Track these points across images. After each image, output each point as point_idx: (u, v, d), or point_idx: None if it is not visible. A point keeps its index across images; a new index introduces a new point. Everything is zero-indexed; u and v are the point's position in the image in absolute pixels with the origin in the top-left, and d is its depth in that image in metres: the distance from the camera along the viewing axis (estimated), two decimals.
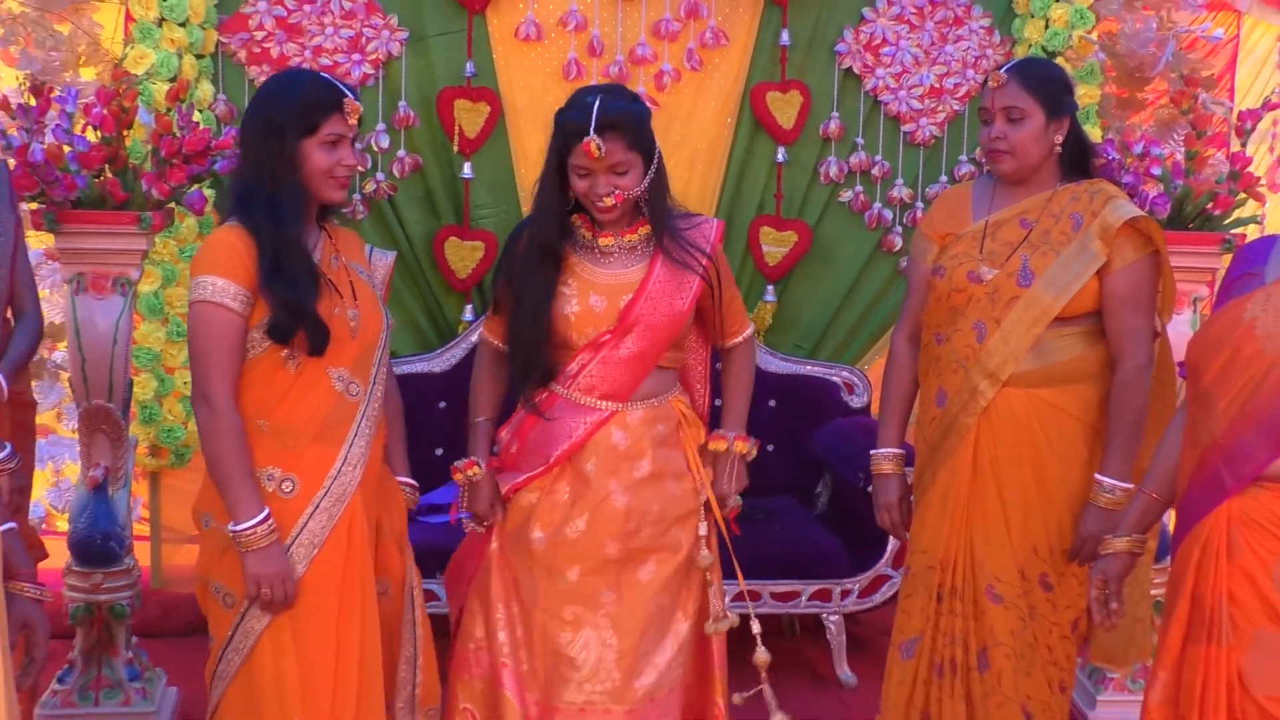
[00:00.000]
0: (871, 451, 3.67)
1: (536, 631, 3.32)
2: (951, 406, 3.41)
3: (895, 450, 3.62)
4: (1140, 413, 3.35)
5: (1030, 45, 5.13)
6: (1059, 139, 3.39)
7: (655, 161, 3.28)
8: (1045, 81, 3.39)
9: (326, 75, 3.04)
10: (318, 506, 2.95)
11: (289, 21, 4.94)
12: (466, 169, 5.08)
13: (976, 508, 3.39)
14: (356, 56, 4.98)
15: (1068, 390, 3.37)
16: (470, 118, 5.03)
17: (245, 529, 2.85)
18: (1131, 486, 3.26)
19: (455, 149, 5.07)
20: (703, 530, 3.41)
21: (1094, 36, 5.07)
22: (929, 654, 3.46)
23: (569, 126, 3.20)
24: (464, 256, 5.07)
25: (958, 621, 3.42)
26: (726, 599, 3.49)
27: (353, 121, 2.97)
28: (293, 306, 2.86)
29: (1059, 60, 5.01)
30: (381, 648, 3.10)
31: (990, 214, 3.45)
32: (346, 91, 2.97)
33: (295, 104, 2.92)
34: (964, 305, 3.39)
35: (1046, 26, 5.08)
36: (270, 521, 2.87)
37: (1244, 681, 2.58)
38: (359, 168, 3.06)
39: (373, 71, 5.00)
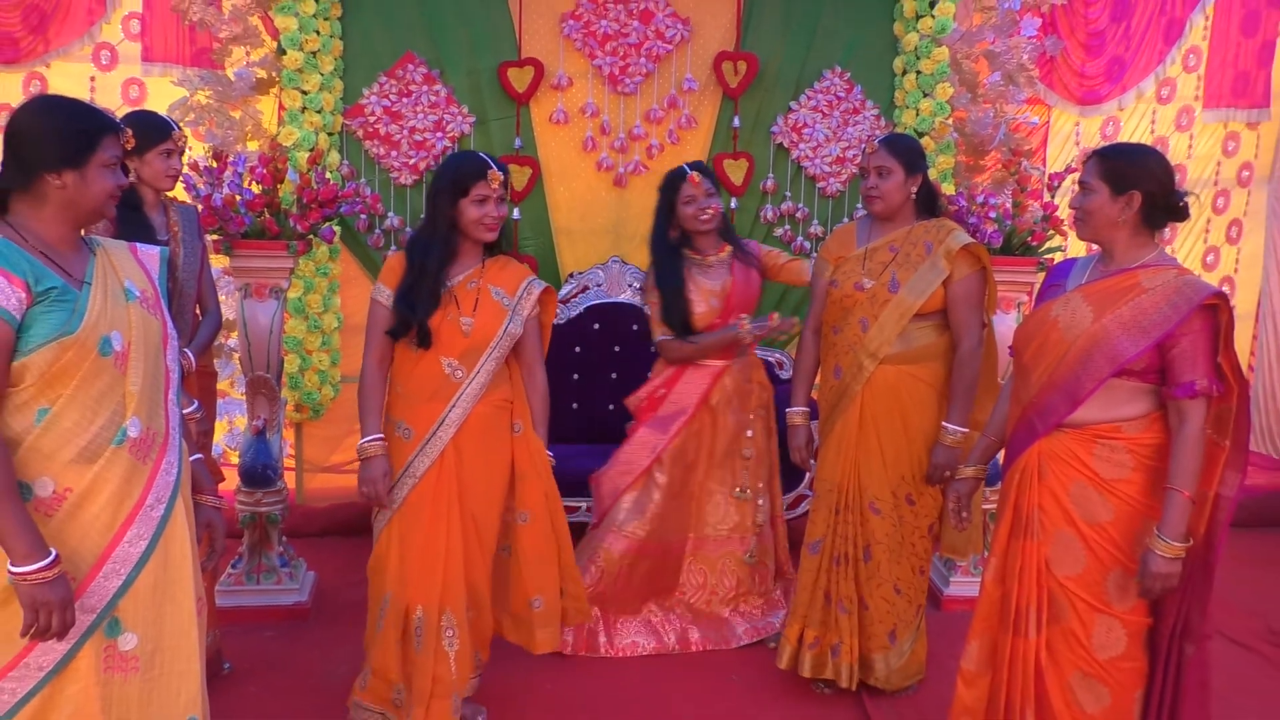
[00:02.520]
0: (786, 410, 3.73)
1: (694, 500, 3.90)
2: (845, 378, 3.47)
3: (803, 408, 3.68)
4: (973, 380, 3.41)
5: (905, 127, 5.11)
6: (914, 189, 3.43)
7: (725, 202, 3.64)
8: (904, 148, 3.44)
9: (481, 153, 3.06)
10: (423, 449, 3.04)
11: (392, 109, 4.93)
12: (515, 213, 5.07)
13: (861, 449, 3.46)
14: (439, 134, 4.96)
15: (923, 365, 3.43)
16: (518, 177, 5.01)
17: (363, 443, 3.02)
18: (968, 431, 3.38)
19: (508, 199, 5.03)
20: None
21: (950, 122, 5.08)
22: (829, 550, 3.51)
23: (676, 174, 3.79)
24: None
25: (849, 528, 3.48)
26: None
27: (495, 185, 2.99)
28: (406, 320, 2.98)
29: (924, 138, 5.03)
30: (521, 563, 3.19)
31: (868, 243, 3.48)
32: (491, 164, 3.00)
33: (452, 174, 3.00)
34: (852, 307, 3.45)
35: (917, 115, 5.07)
36: (380, 441, 3.03)
37: (1049, 566, 2.64)
38: (501, 216, 3.05)
39: (450, 145, 4.98)
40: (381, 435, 3.03)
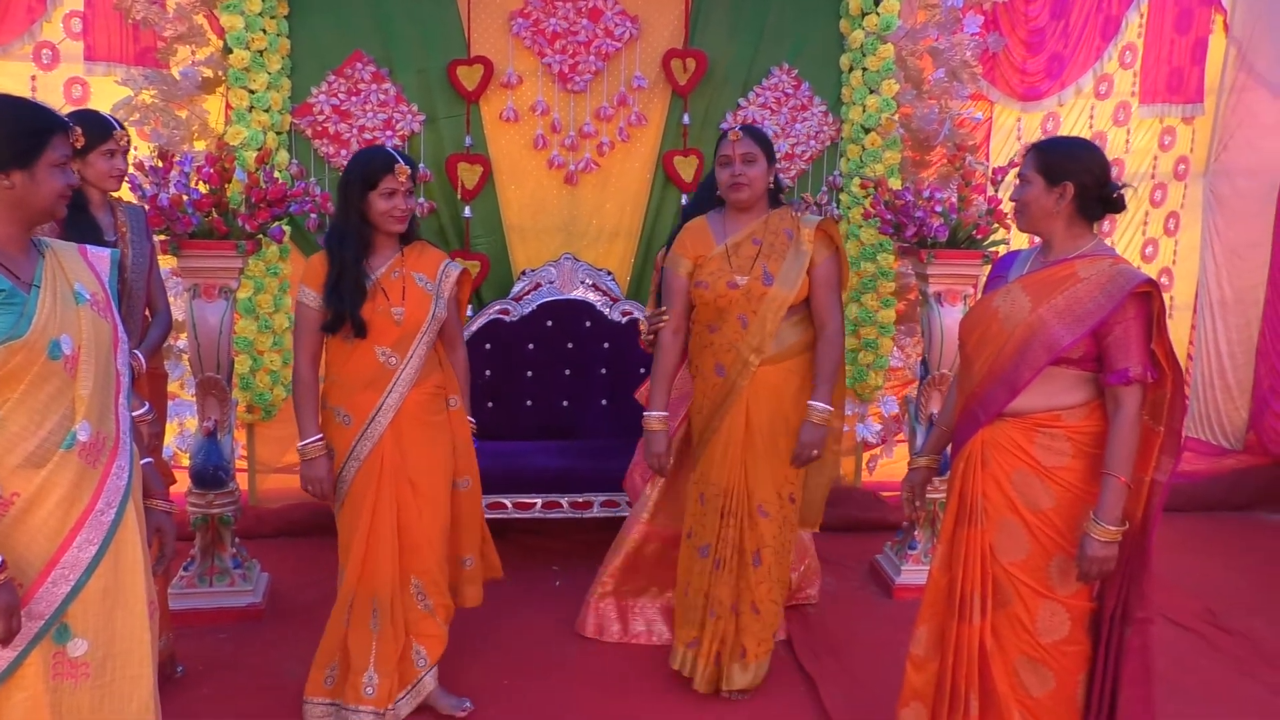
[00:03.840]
0: (645, 414, 3.52)
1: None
2: (731, 375, 3.38)
3: (663, 413, 3.50)
4: (838, 360, 3.41)
5: (853, 124, 5.13)
6: (771, 179, 3.40)
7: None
8: (766, 138, 3.39)
9: (389, 148, 3.15)
10: (363, 434, 3.14)
11: (341, 108, 4.89)
12: (467, 211, 5.04)
13: (749, 452, 3.39)
14: (389, 133, 4.94)
15: (796, 359, 3.41)
16: (469, 175, 4.99)
17: (301, 444, 3.13)
18: (832, 409, 3.40)
19: (459, 197, 5.03)
20: None
21: (896, 118, 5.09)
22: (714, 554, 3.44)
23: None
24: None
25: (734, 532, 3.41)
26: None
27: (402, 179, 3.06)
28: (339, 314, 3.07)
29: (871, 134, 5.05)
30: (457, 526, 3.34)
31: (728, 238, 3.41)
32: (398, 158, 3.08)
33: (361, 168, 3.07)
34: (728, 306, 3.37)
35: (864, 111, 5.09)
36: (320, 442, 3.13)
37: (994, 553, 2.66)
38: (410, 209, 3.13)
39: (400, 143, 4.95)
40: (321, 435, 3.13)
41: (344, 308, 3.05)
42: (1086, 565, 2.52)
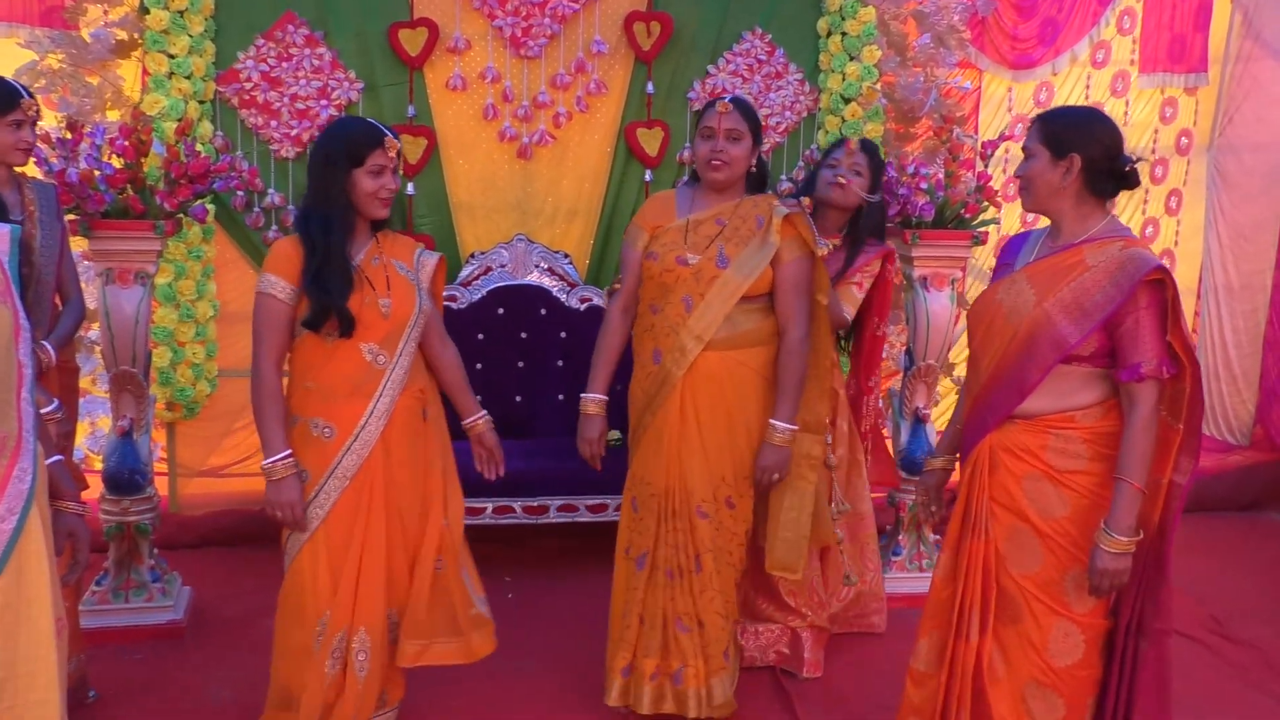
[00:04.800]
0: (582, 395, 3.51)
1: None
2: (666, 363, 3.34)
3: (601, 396, 3.49)
4: (801, 372, 3.35)
5: (832, 93, 5.14)
6: (754, 161, 3.38)
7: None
8: (754, 113, 3.38)
9: (371, 120, 3.03)
10: (349, 448, 2.98)
11: (271, 75, 4.84)
12: (410, 188, 5.01)
13: (685, 446, 3.34)
14: (324, 102, 4.89)
15: (750, 351, 3.35)
16: (412, 149, 4.96)
17: (266, 463, 2.95)
18: (796, 428, 3.34)
19: (401, 173, 4.98)
20: None
21: (878, 87, 5.11)
22: (660, 563, 3.38)
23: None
24: None
25: (678, 535, 3.36)
26: None
27: (392, 154, 2.95)
28: (325, 307, 2.90)
29: (852, 104, 5.08)
30: (465, 560, 3.25)
31: (691, 213, 3.40)
32: (386, 132, 2.97)
33: (346, 142, 2.94)
34: (674, 284, 3.33)
35: (843, 79, 5.10)
36: (290, 459, 2.94)
37: (1004, 563, 2.66)
38: (397, 189, 3.03)
39: (336, 113, 4.88)
40: (291, 452, 2.96)
41: (329, 300, 2.90)
42: (1097, 579, 2.52)
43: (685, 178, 3.62)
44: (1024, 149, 2.67)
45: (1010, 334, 2.61)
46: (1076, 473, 2.58)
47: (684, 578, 3.37)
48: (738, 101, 3.35)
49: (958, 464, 2.91)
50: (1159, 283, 2.49)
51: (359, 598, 3.01)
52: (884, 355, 5.28)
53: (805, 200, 3.39)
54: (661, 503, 3.37)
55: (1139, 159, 2.64)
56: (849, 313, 3.91)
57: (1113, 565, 2.49)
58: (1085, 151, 2.56)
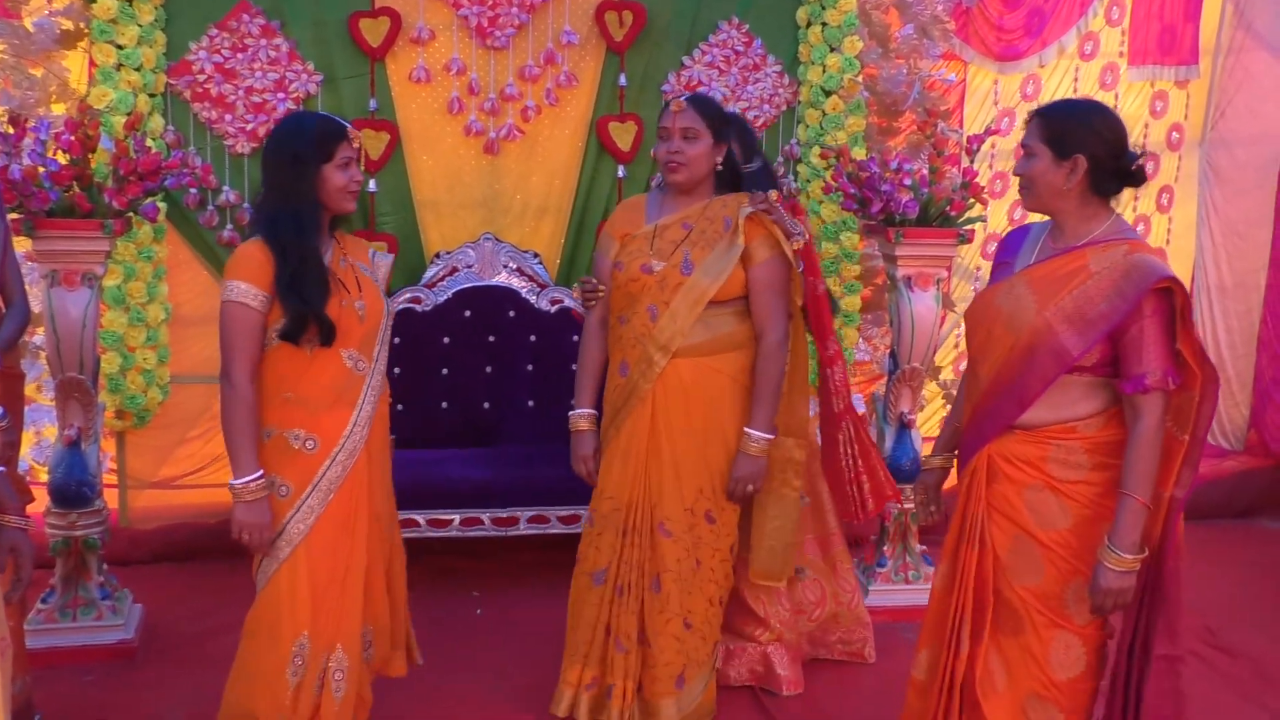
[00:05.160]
0: (570, 413, 3.53)
1: None
2: (633, 375, 3.35)
3: (589, 411, 3.51)
4: (778, 378, 3.35)
5: (812, 85, 5.14)
6: (719, 159, 3.36)
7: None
8: (714, 111, 3.35)
9: (327, 114, 3.04)
10: (334, 460, 2.95)
11: (225, 66, 4.81)
12: (372, 185, 4.98)
13: (653, 460, 3.35)
14: (281, 95, 4.86)
15: (724, 357, 3.34)
16: (374, 144, 4.93)
17: (238, 484, 2.87)
18: (771, 436, 3.34)
19: (362, 169, 4.94)
20: None
21: (860, 79, 5.12)
22: (614, 579, 3.39)
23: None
24: None
25: (636, 553, 3.36)
26: None
27: (356, 146, 2.97)
28: (303, 315, 2.86)
29: (833, 97, 5.08)
30: (402, 569, 3.25)
31: (659, 219, 3.40)
32: (345, 124, 2.99)
33: (313, 137, 2.92)
34: (639, 292, 3.34)
35: (824, 71, 5.10)
36: (263, 480, 2.89)
37: (1006, 575, 2.66)
38: (362, 181, 3.05)
39: (294, 107, 4.86)
40: (263, 472, 2.89)
41: (309, 308, 2.86)
42: (1100, 598, 2.52)
43: (658, 179, 3.57)
44: (1023, 146, 2.65)
45: (1010, 343, 2.61)
46: (1078, 483, 2.58)
47: (630, 595, 3.37)
48: (695, 99, 3.33)
49: (955, 465, 2.92)
50: (1166, 290, 2.49)
51: (340, 615, 2.98)
52: (866, 357, 5.30)
53: (773, 193, 3.37)
54: (624, 517, 3.37)
55: (1144, 154, 2.61)
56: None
57: (1117, 584, 2.50)
58: (1090, 151, 2.54)
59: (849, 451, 3.68)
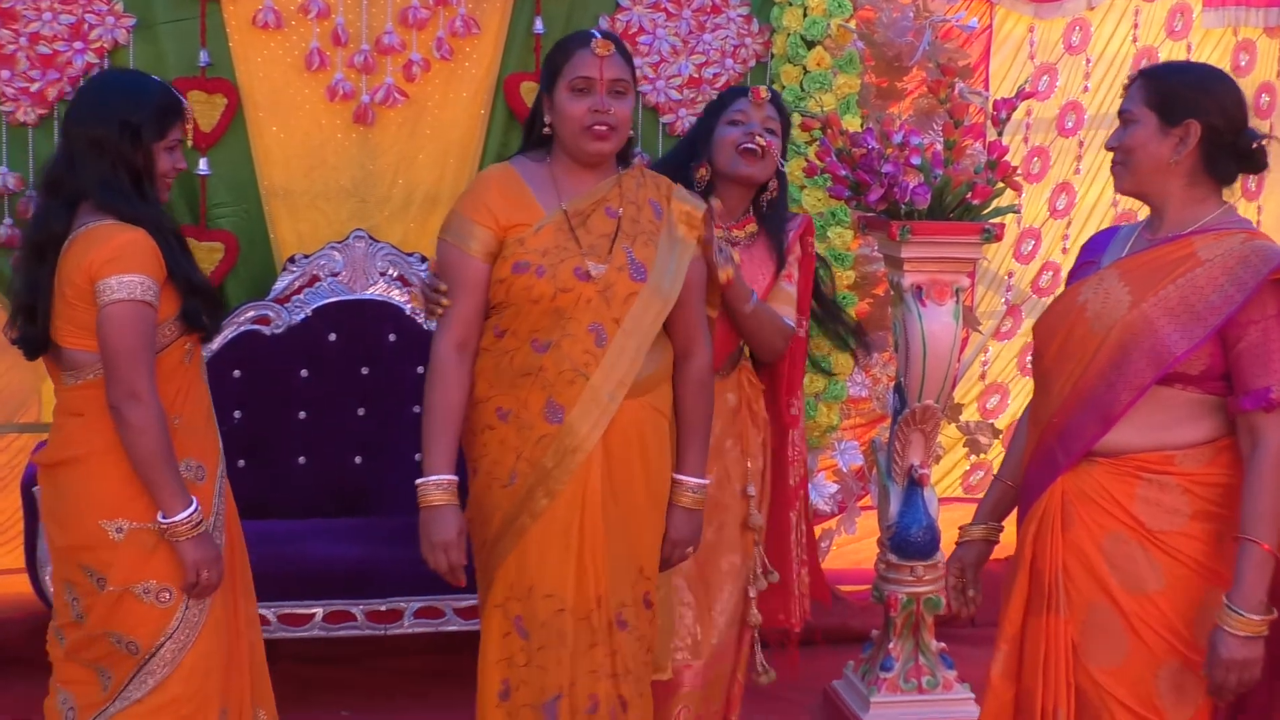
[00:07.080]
0: (418, 481, 3.18)
1: None
2: (573, 422, 3.09)
3: (448, 477, 3.16)
4: (710, 408, 3.37)
5: (789, 34, 5.06)
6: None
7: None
8: (630, 58, 3.29)
9: (164, 81, 3.19)
10: (219, 485, 3.17)
11: (3, 7, 4.68)
12: (202, 165, 4.86)
13: (609, 534, 3.15)
14: (79, 45, 4.74)
15: (660, 392, 3.25)
16: (205, 110, 4.82)
17: (182, 519, 2.96)
18: (708, 482, 3.36)
19: (189, 144, 4.68)
20: None
21: (852, 25, 5.04)
22: (574, 706, 3.15)
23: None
24: (201, 259, 4.70)
25: (599, 662, 3.16)
26: None
27: (189, 127, 3.13)
28: (203, 291, 3.08)
29: (817, 49, 5.03)
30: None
31: (565, 202, 3.17)
32: (183, 99, 3.13)
33: (152, 109, 3.03)
34: (572, 306, 3.10)
35: (805, 15, 5.03)
36: (199, 509, 3.02)
37: (1077, 655, 2.69)
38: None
39: (97, 61, 4.76)
40: (198, 504, 3.03)
41: (206, 287, 3.12)
42: (1221, 673, 2.53)
43: (522, 150, 3.44)
44: (1122, 114, 2.74)
45: (1096, 344, 2.69)
46: (1174, 533, 2.62)
47: (606, 706, 3.20)
48: (619, 43, 3.23)
49: (1014, 523, 2.93)
50: None
51: (253, 673, 3.23)
52: (864, 393, 5.18)
53: (716, 202, 3.43)
54: (580, 623, 3.15)
55: (1269, 136, 2.72)
56: (791, 317, 3.79)
57: (1240, 653, 2.51)
58: (1205, 118, 2.63)
59: (799, 537, 3.78)
